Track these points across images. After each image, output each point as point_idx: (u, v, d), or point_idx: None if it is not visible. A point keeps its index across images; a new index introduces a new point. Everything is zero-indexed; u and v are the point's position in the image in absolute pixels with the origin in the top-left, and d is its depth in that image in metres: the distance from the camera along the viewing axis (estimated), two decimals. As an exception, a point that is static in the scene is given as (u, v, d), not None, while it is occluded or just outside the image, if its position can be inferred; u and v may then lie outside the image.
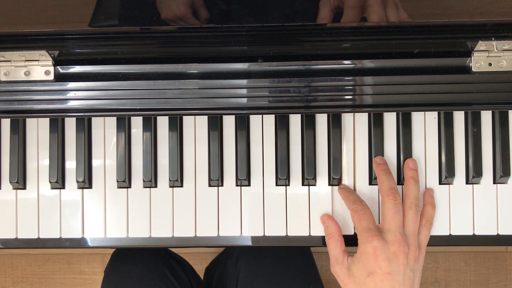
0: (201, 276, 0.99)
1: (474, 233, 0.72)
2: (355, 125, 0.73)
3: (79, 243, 0.73)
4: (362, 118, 0.73)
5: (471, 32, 0.67)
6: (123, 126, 0.73)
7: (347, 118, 0.73)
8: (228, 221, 0.73)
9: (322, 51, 0.68)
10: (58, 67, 0.69)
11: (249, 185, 0.73)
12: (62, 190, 0.73)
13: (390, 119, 0.73)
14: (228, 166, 0.73)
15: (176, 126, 0.73)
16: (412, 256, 0.66)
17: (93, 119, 0.73)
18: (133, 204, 0.73)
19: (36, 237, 0.73)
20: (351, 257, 0.68)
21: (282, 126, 0.72)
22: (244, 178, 0.72)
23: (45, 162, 0.73)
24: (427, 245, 0.70)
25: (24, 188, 0.73)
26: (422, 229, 0.69)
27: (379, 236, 0.65)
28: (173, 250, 0.93)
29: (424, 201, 0.71)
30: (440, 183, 0.72)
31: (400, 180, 0.72)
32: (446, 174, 0.71)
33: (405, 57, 0.68)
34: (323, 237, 0.72)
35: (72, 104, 0.69)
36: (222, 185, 0.73)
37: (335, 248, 0.69)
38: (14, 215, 0.73)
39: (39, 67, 0.69)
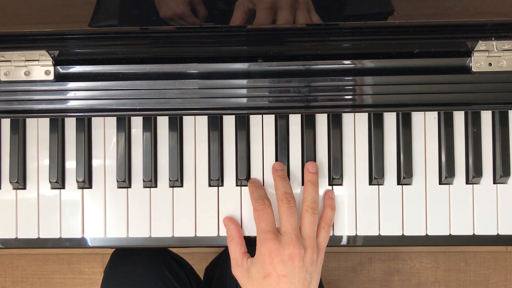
0: (201, 276, 0.99)
1: (474, 233, 0.72)
2: (355, 125, 0.73)
3: (79, 243, 0.73)
4: (362, 118, 0.73)
5: (471, 32, 0.67)
6: (123, 126, 0.73)
7: (347, 118, 0.73)
8: (228, 221, 0.72)
9: (322, 51, 0.68)
10: (58, 67, 0.69)
11: (249, 185, 0.73)
12: (62, 190, 0.73)
13: (390, 119, 0.73)
14: (228, 166, 0.73)
15: (176, 126, 0.73)
16: (309, 258, 0.65)
17: (93, 119, 0.73)
18: (133, 204, 0.73)
19: (36, 237, 0.73)
20: (251, 258, 0.68)
21: (282, 126, 0.72)
22: (244, 178, 0.72)
23: (45, 162, 0.73)
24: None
25: (24, 188, 0.73)
26: (320, 232, 0.69)
27: (275, 238, 0.65)
28: (173, 250, 0.93)
29: (324, 203, 0.71)
30: (440, 183, 0.72)
31: (400, 181, 0.72)
32: (446, 174, 0.71)
33: (405, 57, 0.68)
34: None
35: (72, 104, 0.69)
36: (222, 185, 0.73)
37: (235, 250, 0.69)
38: (14, 215, 0.73)
39: (39, 67, 0.69)
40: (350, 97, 0.68)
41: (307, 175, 0.71)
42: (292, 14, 0.65)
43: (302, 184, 0.72)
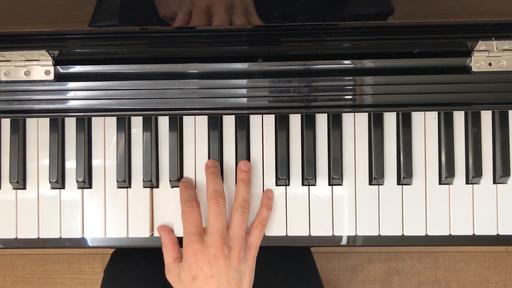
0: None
1: (474, 233, 0.72)
2: (355, 125, 0.73)
3: (79, 243, 0.73)
4: (362, 118, 0.73)
5: (471, 32, 0.67)
6: (123, 126, 0.73)
7: (347, 118, 0.73)
8: (228, 221, 0.72)
9: (322, 51, 0.68)
10: (58, 67, 0.69)
11: (249, 185, 0.73)
12: (62, 190, 0.73)
13: (390, 119, 0.73)
14: (228, 166, 0.73)
15: (176, 126, 0.73)
16: (236, 257, 0.66)
17: (93, 119, 0.73)
18: (133, 204, 0.73)
19: (36, 237, 0.73)
20: (182, 263, 0.68)
21: (282, 126, 0.72)
22: (244, 178, 0.72)
23: (45, 162, 0.73)
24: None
25: (24, 188, 0.73)
26: (253, 230, 0.70)
27: (200, 240, 0.66)
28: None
29: (261, 202, 0.71)
30: (440, 183, 0.72)
31: (400, 181, 0.72)
32: (446, 174, 0.71)
33: (405, 57, 0.68)
34: (322, 237, 0.72)
35: (72, 104, 0.69)
36: (222, 185, 0.73)
37: (167, 257, 0.70)
38: (14, 215, 0.73)
39: (39, 67, 0.69)
40: (350, 97, 0.68)
41: (239, 174, 0.71)
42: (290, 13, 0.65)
43: (302, 184, 0.72)
